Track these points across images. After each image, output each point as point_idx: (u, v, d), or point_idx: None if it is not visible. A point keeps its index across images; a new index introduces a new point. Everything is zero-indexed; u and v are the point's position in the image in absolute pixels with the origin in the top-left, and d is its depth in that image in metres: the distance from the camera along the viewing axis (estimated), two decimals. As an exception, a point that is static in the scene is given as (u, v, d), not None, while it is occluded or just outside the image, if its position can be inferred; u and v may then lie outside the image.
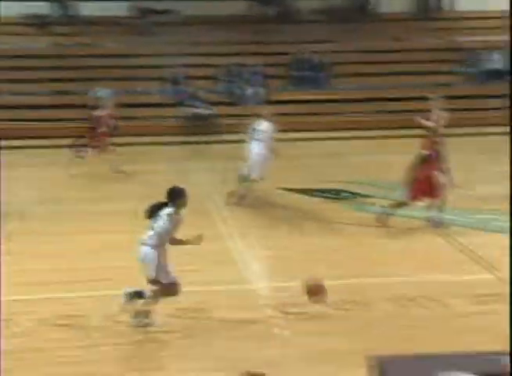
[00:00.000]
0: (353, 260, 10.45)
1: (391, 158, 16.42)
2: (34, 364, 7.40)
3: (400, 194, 12.17)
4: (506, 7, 24.91)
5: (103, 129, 16.24)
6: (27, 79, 22.03)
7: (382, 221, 11.99)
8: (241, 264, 8.19)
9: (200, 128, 21.04)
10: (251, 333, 8.04)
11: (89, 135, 16.24)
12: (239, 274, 8.34)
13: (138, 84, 22.25)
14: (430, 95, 15.76)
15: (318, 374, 7.24)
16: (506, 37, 23.82)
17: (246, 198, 13.50)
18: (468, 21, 25.04)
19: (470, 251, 10.76)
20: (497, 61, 23.56)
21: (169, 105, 21.80)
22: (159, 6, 24.13)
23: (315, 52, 23.47)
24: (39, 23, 23.51)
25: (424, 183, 11.82)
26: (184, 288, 8.19)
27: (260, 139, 13.55)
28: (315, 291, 8.50)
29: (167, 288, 8.08)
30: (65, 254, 10.64)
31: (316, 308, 8.51)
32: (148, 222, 8.17)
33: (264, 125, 13.63)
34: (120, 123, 16.68)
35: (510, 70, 22.09)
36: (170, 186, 8.20)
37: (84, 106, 18.98)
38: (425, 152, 12.09)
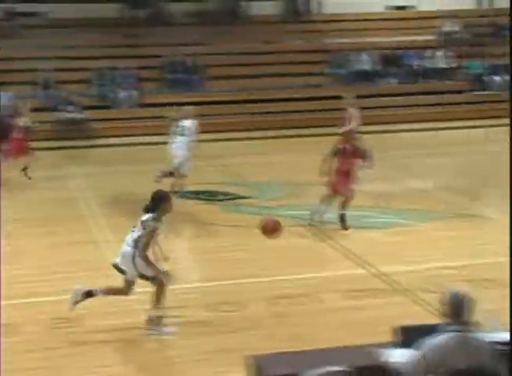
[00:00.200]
0: (228, 261, 10.50)
1: (267, 159, 16.63)
2: None
3: (275, 194, 12.32)
4: (374, 9, 25.80)
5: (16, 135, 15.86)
6: None
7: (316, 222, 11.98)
8: (115, 270, 8.09)
9: (72, 133, 20.70)
10: (128, 338, 7.96)
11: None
12: (114, 281, 8.23)
13: (10, 89, 21.65)
14: (343, 95, 16.24)
15: (198, 375, 7.25)
16: (373, 39, 24.65)
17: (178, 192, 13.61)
18: (336, 23, 25.71)
19: (342, 247, 11.01)
20: (365, 62, 24.27)
21: (41, 110, 21.30)
22: (26, 9, 23.56)
23: (188, 54, 23.50)
24: None
25: (339, 177, 11.96)
26: (61, 296, 7.97)
27: (183, 135, 14.12)
28: (270, 229, 8.62)
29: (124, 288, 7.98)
30: None
31: (193, 311, 8.51)
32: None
33: (187, 122, 14.20)
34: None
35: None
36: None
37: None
38: (340, 146, 12.27)
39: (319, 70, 24.20)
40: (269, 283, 9.47)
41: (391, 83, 24.06)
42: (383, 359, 5.59)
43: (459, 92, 23.97)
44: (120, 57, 23.10)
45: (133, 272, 7.95)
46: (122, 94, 22.54)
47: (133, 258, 7.90)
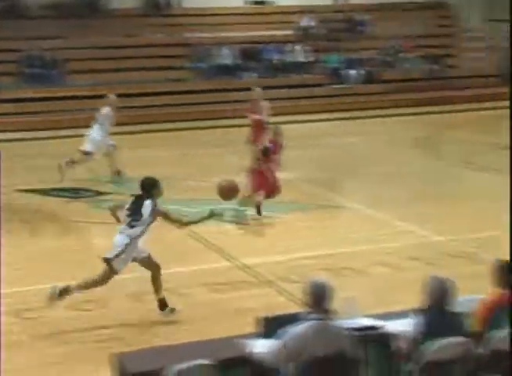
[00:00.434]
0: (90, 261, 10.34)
1: (131, 154, 16.46)
2: None
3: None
4: (233, 4, 26.02)
5: None
6: None
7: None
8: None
9: None
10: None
11: None
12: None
13: None
14: (252, 87, 16.44)
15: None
16: (233, 34, 24.87)
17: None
18: (197, 17, 25.74)
19: (206, 241, 11.08)
20: (226, 56, 24.42)
21: None
22: None
23: (47, 49, 22.91)
24: None
25: (264, 176, 11.96)
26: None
27: (100, 123, 14.83)
28: (227, 193, 8.78)
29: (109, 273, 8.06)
30: None
31: (52, 311, 8.33)
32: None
33: (105, 110, 14.91)
34: None
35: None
36: None
37: None
38: (266, 144, 12.34)
39: (180, 64, 24.18)
40: (132, 280, 9.39)
41: (252, 77, 24.34)
42: (247, 350, 5.69)
43: (319, 85, 24.52)
44: (-27, 51, 22.30)
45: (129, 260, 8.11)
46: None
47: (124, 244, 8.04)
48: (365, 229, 11.66)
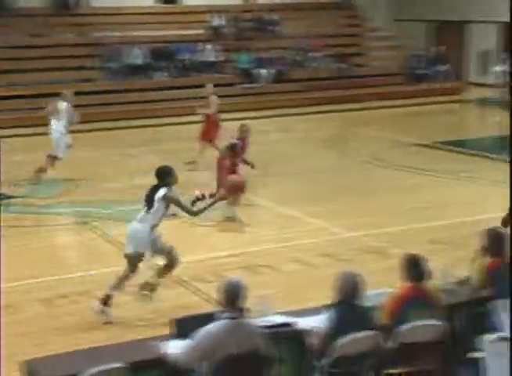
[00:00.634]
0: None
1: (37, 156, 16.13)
2: None
3: (50, 192, 12.02)
4: (143, 3, 25.82)
5: None
6: None
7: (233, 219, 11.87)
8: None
9: None
10: None
11: None
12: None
13: None
14: (205, 83, 17.10)
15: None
16: (144, 33, 24.70)
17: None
18: (106, 17, 25.44)
19: (118, 242, 10.97)
20: (137, 56, 24.21)
21: None
22: None
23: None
24: None
25: (229, 173, 11.83)
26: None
27: (59, 118, 14.67)
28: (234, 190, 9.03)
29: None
30: None
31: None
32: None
33: (63, 105, 14.77)
34: None
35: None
36: None
37: None
38: (233, 141, 12.25)
39: (91, 64, 23.84)
40: (40, 284, 9.24)
41: (164, 77, 24.20)
42: (161, 351, 5.68)
43: (230, 84, 24.57)
44: None
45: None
46: None
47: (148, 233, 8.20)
48: (277, 227, 11.77)
